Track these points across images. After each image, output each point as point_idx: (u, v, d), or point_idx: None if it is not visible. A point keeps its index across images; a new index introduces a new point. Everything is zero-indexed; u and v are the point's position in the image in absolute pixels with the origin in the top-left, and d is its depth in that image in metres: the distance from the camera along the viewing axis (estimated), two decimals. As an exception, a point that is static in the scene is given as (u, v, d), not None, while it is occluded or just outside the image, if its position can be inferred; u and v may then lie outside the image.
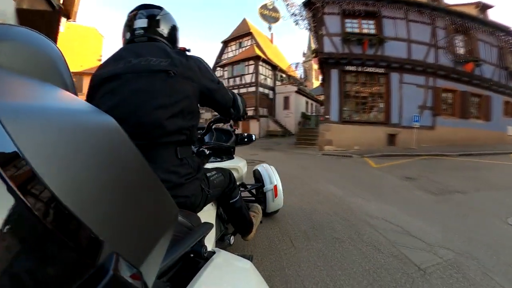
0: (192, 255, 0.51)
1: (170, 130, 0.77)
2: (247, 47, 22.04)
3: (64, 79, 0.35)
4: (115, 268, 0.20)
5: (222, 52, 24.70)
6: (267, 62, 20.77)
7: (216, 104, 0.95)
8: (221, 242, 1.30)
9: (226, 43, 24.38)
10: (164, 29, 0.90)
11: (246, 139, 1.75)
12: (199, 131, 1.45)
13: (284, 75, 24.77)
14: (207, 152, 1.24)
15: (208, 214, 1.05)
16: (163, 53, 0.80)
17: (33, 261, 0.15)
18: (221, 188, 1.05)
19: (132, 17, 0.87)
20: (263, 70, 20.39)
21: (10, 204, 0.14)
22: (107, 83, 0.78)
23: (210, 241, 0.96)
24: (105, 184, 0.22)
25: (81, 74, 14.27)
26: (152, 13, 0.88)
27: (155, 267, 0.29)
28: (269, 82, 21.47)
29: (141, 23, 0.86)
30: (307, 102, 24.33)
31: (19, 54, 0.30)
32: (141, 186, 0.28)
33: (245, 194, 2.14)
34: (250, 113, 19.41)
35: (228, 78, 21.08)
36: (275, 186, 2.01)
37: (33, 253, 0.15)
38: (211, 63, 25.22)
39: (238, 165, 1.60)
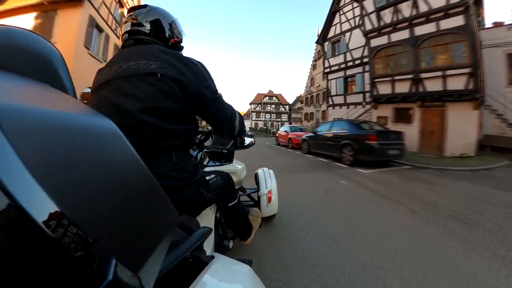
0: (191, 259, 0.52)
1: (163, 135, 0.76)
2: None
3: (63, 81, 0.35)
4: (114, 274, 0.19)
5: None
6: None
7: (208, 115, 0.88)
8: (220, 246, 1.26)
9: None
10: (147, 27, 0.86)
11: (245, 143, 1.68)
12: (198, 135, 1.44)
13: (480, 17, 11.59)
14: (206, 156, 1.20)
15: (207, 218, 1.05)
16: (153, 55, 0.78)
17: (26, 266, 0.15)
18: (220, 191, 1.03)
19: (123, 24, 0.89)
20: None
21: (3, 206, 0.13)
22: (100, 90, 0.79)
23: (209, 245, 0.97)
24: (102, 188, 0.21)
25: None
26: (135, 15, 0.87)
27: (154, 272, 0.28)
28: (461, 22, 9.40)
29: (125, 27, 0.87)
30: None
31: (17, 55, 0.30)
32: (140, 190, 0.27)
33: (245, 198, 2.13)
34: (459, 85, 9.00)
35: (379, 11, 10.16)
36: (270, 192, 2.01)
37: (26, 257, 0.15)
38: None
39: (236, 169, 1.59)
